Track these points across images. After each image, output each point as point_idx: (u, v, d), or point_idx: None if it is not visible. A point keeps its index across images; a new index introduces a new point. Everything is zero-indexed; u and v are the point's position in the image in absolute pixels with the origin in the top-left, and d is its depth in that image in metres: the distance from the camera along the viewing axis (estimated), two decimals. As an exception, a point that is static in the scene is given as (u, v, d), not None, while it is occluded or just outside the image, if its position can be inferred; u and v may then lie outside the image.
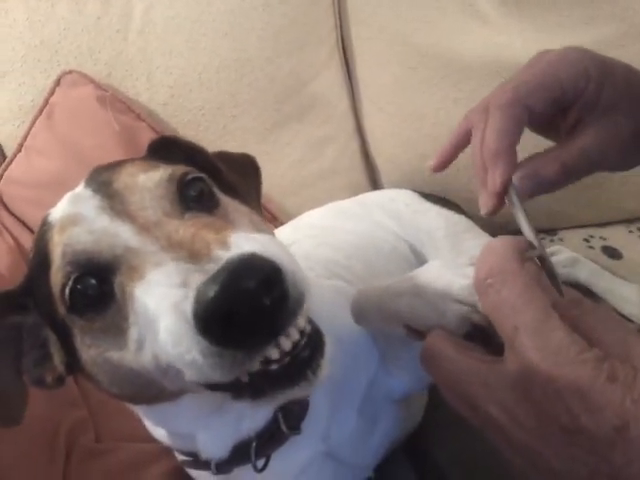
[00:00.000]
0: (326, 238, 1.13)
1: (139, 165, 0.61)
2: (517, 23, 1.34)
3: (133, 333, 0.51)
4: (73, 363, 0.61)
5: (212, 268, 0.44)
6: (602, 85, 0.58)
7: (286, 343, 0.48)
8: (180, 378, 0.49)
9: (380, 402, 0.81)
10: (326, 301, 0.78)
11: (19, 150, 1.28)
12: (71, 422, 0.90)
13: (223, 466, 0.69)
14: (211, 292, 0.42)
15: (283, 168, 1.44)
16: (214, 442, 0.68)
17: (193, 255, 0.47)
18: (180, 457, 0.77)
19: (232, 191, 0.67)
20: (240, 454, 0.68)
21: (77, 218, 0.55)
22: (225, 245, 0.47)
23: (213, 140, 1.39)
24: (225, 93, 1.38)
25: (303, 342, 0.50)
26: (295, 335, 0.49)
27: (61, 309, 0.56)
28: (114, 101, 1.29)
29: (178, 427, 0.69)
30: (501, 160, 0.54)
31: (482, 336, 0.52)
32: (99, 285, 0.53)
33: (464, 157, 1.39)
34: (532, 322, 0.43)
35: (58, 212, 0.59)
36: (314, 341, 0.51)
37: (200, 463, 0.72)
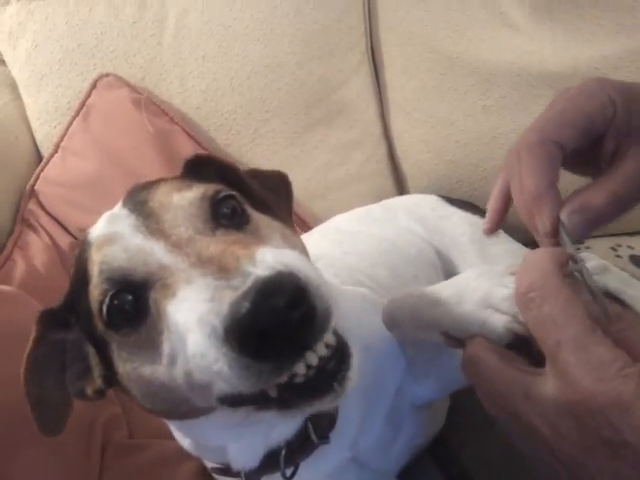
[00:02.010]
0: (352, 246, 1.14)
1: (173, 184, 0.63)
2: (548, 31, 1.34)
3: (166, 348, 0.53)
4: (111, 377, 0.63)
5: (240, 283, 0.46)
6: (629, 109, 0.56)
7: (313, 358, 0.49)
8: (208, 394, 0.51)
9: (405, 409, 0.81)
10: (352, 308, 0.80)
11: (55, 151, 1.32)
12: (106, 418, 0.92)
13: (253, 475, 0.71)
14: (243, 310, 0.44)
15: (311, 172, 1.46)
16: (245, 453, 0.69)
17: (222, 270, 0.49)
18: (209, 465, 0.78)
19: (264, 207, 0.68)
20: (270, 463, 0.70)
21: (113, 237, 0.58)
22: (252, 260, 0.48)
23: (244, 144, 1.42)
24: (256, 98, 1.40)
25: (328, 354, 0.51)
26: (322, 350, 0.50)
27: (99, 325, 0.58)
28: (148, 104, 1.33)
29: (209, 441, 0.70)
30: (544, 201, 0.53)
31: (522, 345, 0.52)
32: (135, 301, 0.55)
33: (491, 163, 1.41)
34: (575, 337, 0.43)
35: (96, 231, 0.62)
36: (340, 353, 0.52)
37: (230, 472, 0.73)
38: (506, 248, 1.21)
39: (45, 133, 1.39)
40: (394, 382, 0.79)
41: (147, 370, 0.56)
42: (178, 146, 1.31)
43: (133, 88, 1.34)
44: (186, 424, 0.67)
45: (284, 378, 0.48)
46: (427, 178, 1.50)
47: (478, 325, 0.55)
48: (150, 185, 0.64)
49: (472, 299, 0.58)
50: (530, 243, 1.20)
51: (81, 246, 0.63)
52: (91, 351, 0.65)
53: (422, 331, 0.67)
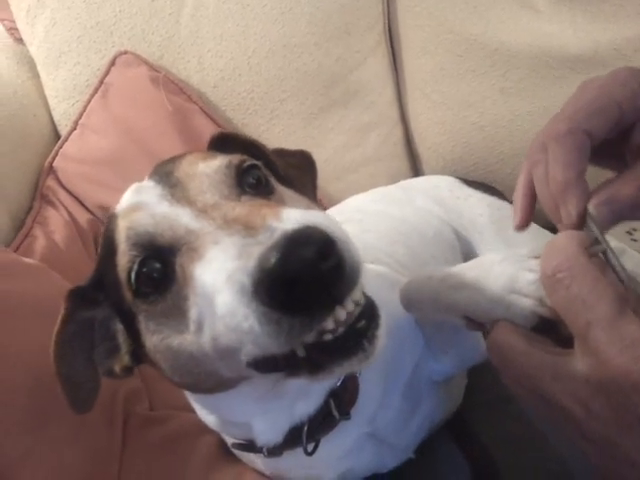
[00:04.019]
0: (371, 224, 1.14)
1: (199, 155, 0.64)
2: (568, 13, 1.33)
3: (193, 314, 0.53)
4: (139, 352, 0.64)
5: (267, 238, 0.46)
6: None
7: (341, 313, 0.48)
8: (237, 360, 0.50)
9: (423, 385, 0.82)
10: (371, 285, 0.80)
11: (74, 128, 1.33)
12: (127, 391, 0.93)
13: (275, 450, 0.72)
14: (272, 259, 0.43)
15: (327, 153, 1.46)
16: (270, 428, 0.70)
17: (248, 228, 0.49)
18: (231, 440, 0.79)
19: (288, 183, 0.69)
20: (292, 439, 0.70)
21: (139, 205, 0.58)
22: (279, 218, 0.48)
23: (261, 124, 1.42)
24: (273, 77, 1.40)
25: (357, 312, 0.50)
26: (350, 306, 0.49)
27: (128, 295, 0.58)
28: (166, 82, 1.33)
29: (235, 416, 0.71)
30: (572, 192, 0.52)
31: (547, 328, 0.53)
32: (162, 268, 0.55)
33: (508, 146, 1.41)
34: (605, 317, 0.43)
35: (123, 204, 0.62)
36: (369, 312, 0.51)
37: (251, 447, 0.74)
38: (527, 230, 1.21)
39: (63, 111, 1.39)
40: (412, 358, 0.80)
41: (175, 341, 0.56)
42: (196, 124, 1.31)
43: (151, 66, 1.34)
44: (212, 399, 0.67)
45: (313, 336, 0.47)
46: (443, 160, 1.49)
47: (503, 309, 0.56)
48: (176, 158, 0.65)
49: (496, 284, 0.57)
50: (547, 227, 1.21)
51: (108, 220, 0.63)
52: (119, 328, 0.65)
53: (442, 314, 0.67)
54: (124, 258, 0.57)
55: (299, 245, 0.43)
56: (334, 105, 1.46)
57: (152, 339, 0.59)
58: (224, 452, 0.88)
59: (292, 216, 0.48)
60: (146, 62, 1.34)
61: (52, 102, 1.41)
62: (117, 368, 0.66)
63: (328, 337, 0.48)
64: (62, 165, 1.31)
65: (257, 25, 1.38)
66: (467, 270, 0.63)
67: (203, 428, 0.90)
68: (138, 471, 0.82)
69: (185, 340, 0.55)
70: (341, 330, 0.48)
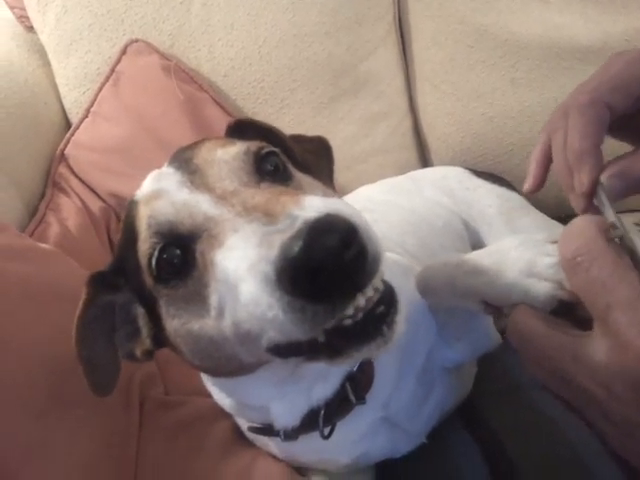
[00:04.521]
0: (382, 214, 1.15)
1: (217, 142, 0.64)
2: (579, 3, 1.33)
3: (214, 300, 0.53)
4: (160, 336, 0.64)
5: (287, 226, 0.46)
6: None
7: (361, 299, 0.48)
8: (258, 345, 0.51)
9: (435, 371, 0.83)
10: (386, 272, 0.81)
11: (86, 116, 1.33)
12: (142, 375, 0.94)
13: (291, 433, 0.73)
14: (296, 248, 0.43)
15: (337, 143, 1.43)
16: (288, 412, 0.71)
17: (268, 216, 0.49)
18: (247, 424, 0.80)
19: (305, 169, 0.69)
20: (309, 422, 0.71)
21: (159, 193, 0.59)
22: (300, 205, 0.48)
23: (271, 113, 1.42)
24: (284, 67, 1.40)
25: (377, 298, 0.50)
26: (370, 292, 0.49)
27: (148, 280, 0.59)
28: (178, 71, 1.33)
29: (253, 399, 0.71)
30: (586, 160, 0.53)
31: (565, 311, 0.53)
32: (182, 254, 0.55)
33: (517, 136, 1.41)
34: (626, 299, 0.44)
35: (143, 190, 0.63)
36: (388, 298, 0.51)
37: (268, 430, 0.75)
38: (534, 219, 1.22)
39: (74, 99, 1.40)
40: (426, 344, 0.81)
41: (195, 325, 0.57)
42: (207, 113, 1.32)
43: (162, 55, 1.34)
44: (231, 383, 0.68)
45: (333, 322, 0.47)
46: (452, 151, 1.50)
47: (521, 293, 0.56)
48: (194, 144, 0.65)
49: (515, 268, 0.58)
50: (556, 219, 1.22)
51: (128, 206, 0.64)
52: (140, 312, 0.66)
53: (459, 299, 0.67)
54: (145, 244, 0.58)
55: (322, 234, 0.43)
56: (344, 95, 1.46)
57: (173, 323, 0.59)
58: (238, 437, 0.89)
59: (314, 204, 0.48)
60: (157, 50, 1.34)
61: (63, 90, 1.41)
62: (138, 352, 0.67)
63: (348, 322, 0.48)
64: (74, 153, 1.31)
65: (268, 14, 1.38)
66: (484, 256, 0.64)
67: (218, 413, 0.92)
68: (154, 454, 0.83)
69: (206, 325, 0.55)
70: (360, 315, 0.48)
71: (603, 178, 0.54)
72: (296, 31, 1.39)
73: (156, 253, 0.56)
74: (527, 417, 0.89)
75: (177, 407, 0.92)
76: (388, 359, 0.75)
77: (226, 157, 0.60)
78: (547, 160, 0.61)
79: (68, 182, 1.26)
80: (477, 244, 1.22)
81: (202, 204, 0.55)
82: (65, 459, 0.75)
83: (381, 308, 0.50)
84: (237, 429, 0.91)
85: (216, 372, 0.68)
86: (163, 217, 0.57)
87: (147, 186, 0.62)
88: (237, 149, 0.61)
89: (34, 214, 1.17)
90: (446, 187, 1.29)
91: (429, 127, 1.54)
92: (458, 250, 1.16)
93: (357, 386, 0.71)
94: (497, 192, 1.27)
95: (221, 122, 1.27)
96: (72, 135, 1.32)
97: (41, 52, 1.44)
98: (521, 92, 1.38)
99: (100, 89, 1.32)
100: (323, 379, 0.70)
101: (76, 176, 1.29)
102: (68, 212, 1.17)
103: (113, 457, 0.79)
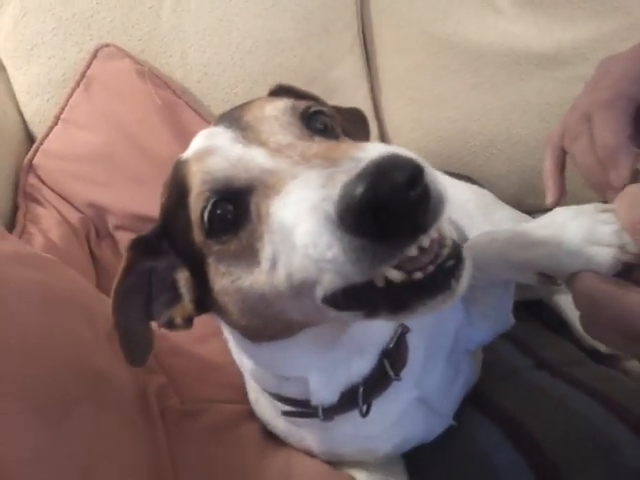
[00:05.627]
0: None
1: (265, 99, 0.65)
2: (531, 14, 1.42)
3: (267, 252, 0.52)
4: (204, 299, 0.63)
5: (352, 167, 0.44)
6: None
7: (425, 241, 0.47)
8: (312, 296, 0.50)
9: (461, 352, 0.86)
10: None
11: (55, 123, 1.26)
12: (155, 388, 0.89)
13: (329, 412, 0.72)
14: (361, 186, 0.42)
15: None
16: (326, 386, 0.70)
17: (329, 160, 0.48)
18: (283, 408, 0.78)
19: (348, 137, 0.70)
20: (347, 400, 0.71)
21: (212, 149, 0.58)
22: (363, 149, 0.47)
23: (247, 119, 1.41)
24: (257, 73, 1.41)
25: (446, 253, 0.49)
26: (434, 234, 0.48)
27: (199, 237, 0.58)
28: (152, 76, 1.29)
29: (292, 368, 0.70)
30: (623, 154, 0.55)
31: (624, 273, 0.56)
32: (235, 209, 0.55)
33: (480, 139, 1.48)
34: None
35: (192, 149, 0.62)
36: (456, 252, 0.51)
37: (305, 412, 0.74)
38: (508, 214, 1.29)
39: (36, 107, 1.32)
40: (454, 323, 0.83)
41: (246, 282, 0.56)
42: (184, 119, 1.29)
43: (135, 59, 1.30)
44: (272, 349, 0.66)
45: (401, 275, 0.47)
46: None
47: (584, 261, 0.58)
48: (242, 104, 0.65)
49: (575, 238, 0.59)
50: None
51: (175, 166, 0.63)
52: (182, 277, 0.65)
53: (514, 273, 0.69)
54: (198, 199, 0.57)
55: (390, 171, 0.42)
56: (316, 101, 1.48)
57: (222, 281, 0.59)
58: (269, 437, 0.87)
59: (377, 147, 0.47)
60: (129, 55, 1.30)
61: (23, 98, 1.33)
62: (179, 318, 0.66)
63: (418, 275, 0.48)
64: (43, 162, 1.24)
65: (240, 20, 1.38)
66: (537, 229, 0.65)
67: (241, 417, 0.90)
68: (192, 463, 0.79)
69: (257, 280, 0.55)
70: (431, 268, 0.48)
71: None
72: (269, 37, 1.40)
73: (209, 206, 0.55)
74: (535, 395, 0.93)
75: (199, 415, 0.88)
76: (417, 338, 0.76)
77: (275, 112, 0.60)
78: (560, 171, 0.64)
79: (41, 192, 1.19)
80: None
81: (258, 157, 0.55)
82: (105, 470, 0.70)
83: (451, 262, 0.49)
84: (262, 432, 0.89)
85: (260, 333, 0.65)
86: (220, 173, 0.56)
87: (197, 144, 0.61)
88: (284, 104, 0.62)
89: (10, 225, 1.09)
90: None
91: (395, 133, 1.59)
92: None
93: (394, 362, 0.72)
94: (472, 189, 1.33)
95: (200, 127, 1.22)
96: (41, 144, 1.25)
97: (-5, 58, 1.35)
98: (483, 96, 1.46)
99: (70, 95, 1.26)
100: (360, 353, 0.70)
101: (48, 186, 1.21)
102: (48, 223, 1.10)
103: (152, 466, 0.74)
